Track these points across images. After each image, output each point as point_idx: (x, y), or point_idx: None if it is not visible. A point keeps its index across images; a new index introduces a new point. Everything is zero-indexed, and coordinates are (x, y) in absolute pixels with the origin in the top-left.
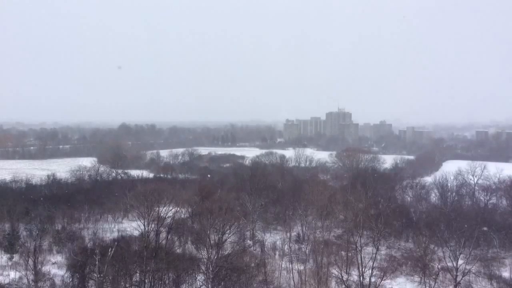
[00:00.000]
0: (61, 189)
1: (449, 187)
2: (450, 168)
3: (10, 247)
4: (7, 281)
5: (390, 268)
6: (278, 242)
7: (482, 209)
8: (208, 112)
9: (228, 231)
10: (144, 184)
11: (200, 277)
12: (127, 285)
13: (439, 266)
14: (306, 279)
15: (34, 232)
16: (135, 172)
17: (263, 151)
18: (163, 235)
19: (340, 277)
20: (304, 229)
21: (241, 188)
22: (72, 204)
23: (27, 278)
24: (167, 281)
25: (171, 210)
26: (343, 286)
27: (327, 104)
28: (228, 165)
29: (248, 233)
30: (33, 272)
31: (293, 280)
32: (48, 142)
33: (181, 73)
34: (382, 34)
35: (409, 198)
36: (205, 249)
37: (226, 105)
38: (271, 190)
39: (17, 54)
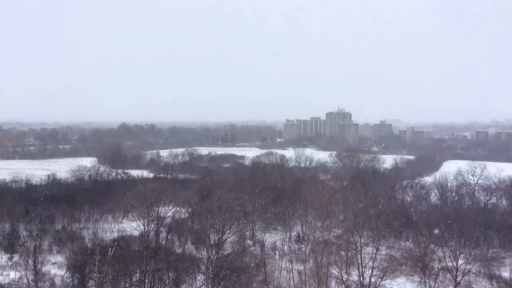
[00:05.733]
0: (61, 189)
1: (449, 187)
2: (450, 168)
3: (10, 247)
4: (7, 281)
5: (390, 268)
6: (278, 242)
7: (482, 209)
8: (208, 112)
9: (228, 231)
10: (144, 184)
11: (200, 277)
12: (127, 285)
13: (439, 266)
14: (306, 279)
15: (34, 232)
16: (135, 172)
17: (263, 151)
18: (163, 235)
19: (340, 277)
20: (304, 229)
21: (241, 188)
22: (72, 204)
23: (27, 278)
24: (167, 281)
25: (171, 210)
26: (343, 286)
27: (327, 104)
28: (228, 165)
29: (248, 233)
30: (33, 272)
31: (293, 280)
32: (48, 142)
33: (181, 73)
34: (382, 33)
35: (409, 198)
36: (205, 249)
37: (226, 105)
38: (271, 190)
39: (17, 54)
